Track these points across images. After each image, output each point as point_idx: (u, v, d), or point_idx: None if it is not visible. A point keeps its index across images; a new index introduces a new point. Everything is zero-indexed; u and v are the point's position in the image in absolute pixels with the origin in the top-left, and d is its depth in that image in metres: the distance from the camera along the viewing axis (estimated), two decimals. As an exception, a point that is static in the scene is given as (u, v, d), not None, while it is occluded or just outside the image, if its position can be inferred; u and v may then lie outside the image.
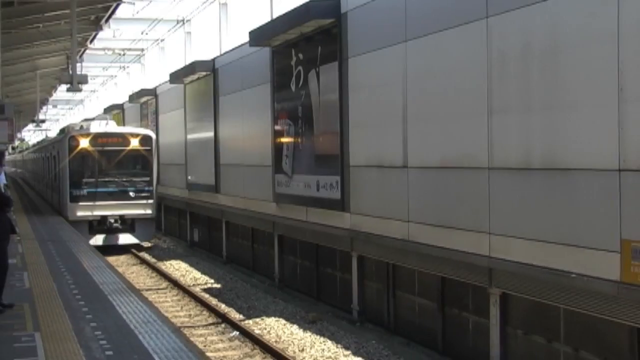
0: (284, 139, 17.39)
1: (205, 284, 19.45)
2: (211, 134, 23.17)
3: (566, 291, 8.99)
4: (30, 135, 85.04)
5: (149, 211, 25.59)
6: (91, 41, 28.19)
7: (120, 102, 41.76)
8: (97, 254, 17.96)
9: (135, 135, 26.17)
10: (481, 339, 11.10)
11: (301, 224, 16.74)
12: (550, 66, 9.15)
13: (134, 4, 27.85)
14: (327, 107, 15.14)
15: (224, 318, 14.75)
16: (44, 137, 60.80)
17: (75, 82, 21.21)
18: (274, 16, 19.93)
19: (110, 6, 22.56)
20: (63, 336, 9.38)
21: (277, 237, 18.85)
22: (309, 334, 13.45)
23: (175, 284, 18.93)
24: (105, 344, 9.01)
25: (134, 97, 34.86)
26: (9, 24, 21.23)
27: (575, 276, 8.73)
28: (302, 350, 12.51)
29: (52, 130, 68.24)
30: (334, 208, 14.79)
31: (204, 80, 24.05)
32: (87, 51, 31.45)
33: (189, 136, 26.16)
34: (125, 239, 25.20)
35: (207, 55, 24.97)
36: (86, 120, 38.72)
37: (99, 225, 24.92)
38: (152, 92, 32.27)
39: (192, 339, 12.13)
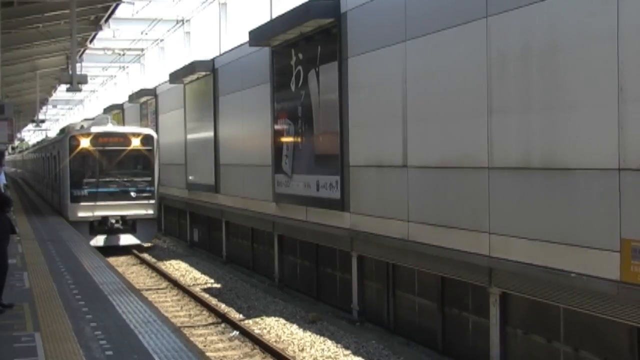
0: (284, 139, 17.39)
1: (205, 283, 19.45)
2: (211, 134, 23.17)
3: (566, 291, 8.99)
4: (30, 135, 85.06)
5: (150, 211, 25.42)
6: (91, 41, 28.17)
7: (120, 102, 41.77)
8: (97, 254, 17.96)
9: (137, 134, 25.99)
10: (481, 339, 11.10)
11: (301, 223, 16.74)
12: (550, 66, 9.15)
13: (133, 4, 27.84)
14: (327, 107, 15.14)
15: (223, 318, 14.75)
16: (43, 137, 60.80)
17: (75, 82, 21.19)
18: (274, 16, 19.93)
19: (110, 6, 22.54)
20: (63, 336, 9.38)
21: (277, 237, 18.85)
22: (308, 333, 13.45)
23: (175, 283, 18.93)
24: (105, 344, 9.01)
25: (133, 97, 34.86)
26: (8, 24, 21.21)
27: (575, 276, 8.73)
28: (302, 350, 12.52)
29: (51, 130, 68.27)
30: (334, 208, 14.79)
31: (204, 80, 24.04)
32: (87, 51, 31.43)
33: (189, 136, 26.15)
34: (127, 239, 25.03)
35: (207, 55, 24.95)
36: (86, 120, 38.71)
37: (100, 225, 24.73)
38: (152, 92, 32.25)
39: (192, 338, 12.13)
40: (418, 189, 12.13)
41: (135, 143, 25.48)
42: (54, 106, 64.52)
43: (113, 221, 24.69)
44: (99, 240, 24.39)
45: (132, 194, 25.25)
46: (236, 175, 21.24)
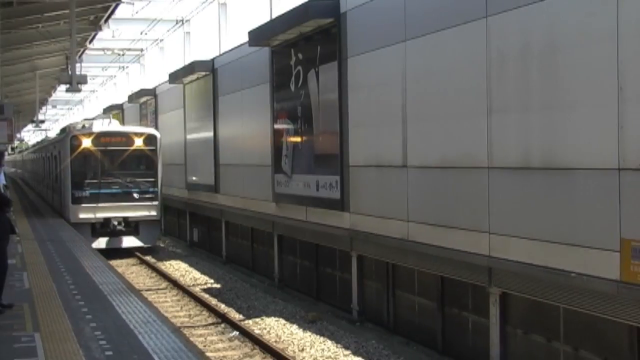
0: (284, 139, 17.39)
1: (205, 284, 19.44)
2: (211, 134, 23.16)
3: (566, 290, 8.99)
4: (30, 135, 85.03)
5: (153, 213, 24.85)
6: (90, 41, 28.14)
7: (119, 102, 41.75)
8: (96, 254, 17.94)
9: (140, 134, 25.42)
10: (481, 339, 11.10)
11: (301, 223, 16.74)
12: (549, 66, 9.15)
13: (133, 4, 27.82)
14: (327, 106, 15.14)
15: (223, 318, 14.75)
16: (43, 137, 60.77)
17: (75, 83, 21.16)
18: (273, 16, 19.93)
19: (110, 6, 22.52)
20: (63, 336, 9.38)
21: (276, 237, 18.85)
22: (308, 333, 13.45)
23: (175, 284, 18.93)
24: (105, 344, 9.01)
25: (133, 97, 34.85)
26: (8, 24, 21.20)
27: (575, 275, 8.73)
28: (302, 350, 12.51)
29: (51, 130, 68.24)
30: (334, 208, 14.79)
31: (204, 80, 24.04)
32: (87, 51, 31.40)
33: (189, 136, 26.13)
34: (129, 241, 24.48)
35: (207, 55, 24.94)
36: (86, 120, 38.65)
37: (102, 227, 24.14)
38: (152, 92, 32.22)
39: (191, 339, 12.12)
40: (418, 188, 12.13)
41: (138, 143, 24.92)
42: (54, 106, 64.51)
43: (115, 223, 24.09)
44: (101, 243, 23.87)
45: (135, 195, 24.66)
46: (236, 175, 21.24)
